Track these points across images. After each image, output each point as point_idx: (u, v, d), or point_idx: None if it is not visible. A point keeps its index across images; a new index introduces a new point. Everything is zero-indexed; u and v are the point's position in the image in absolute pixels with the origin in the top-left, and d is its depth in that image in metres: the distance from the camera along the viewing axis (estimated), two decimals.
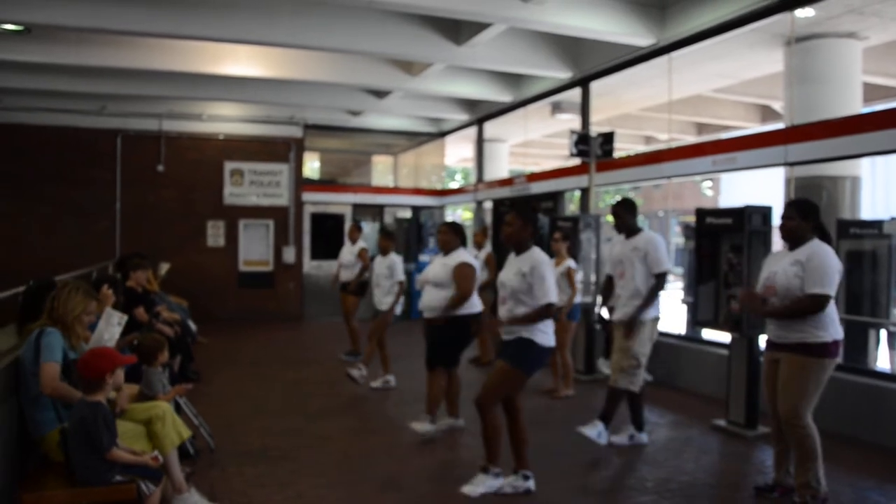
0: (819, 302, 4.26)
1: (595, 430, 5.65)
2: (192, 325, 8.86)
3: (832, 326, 4.38)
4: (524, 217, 4.69)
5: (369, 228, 14.96)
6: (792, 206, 4.54)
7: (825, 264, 4.30)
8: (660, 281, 5.62)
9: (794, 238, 4.50)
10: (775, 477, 4.73)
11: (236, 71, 10.46)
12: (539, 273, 4.49)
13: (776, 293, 4.46)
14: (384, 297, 7.96)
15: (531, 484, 4.68)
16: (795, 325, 4.38)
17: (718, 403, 6.84)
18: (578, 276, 8.19)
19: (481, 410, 4.59)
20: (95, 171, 13.10)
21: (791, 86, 8.30)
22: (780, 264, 4.53)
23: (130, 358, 3.98)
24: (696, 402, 7.42)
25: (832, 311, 4.40)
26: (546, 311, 4.49)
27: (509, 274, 4.63)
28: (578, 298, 7.84)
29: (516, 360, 4.55)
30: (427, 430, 6.04)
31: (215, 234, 13.83)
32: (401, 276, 7.95)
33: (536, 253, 4.60)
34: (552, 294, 4.49)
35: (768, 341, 4.67)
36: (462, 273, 5.87)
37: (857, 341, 7.95)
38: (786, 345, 4.44)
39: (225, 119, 13.92)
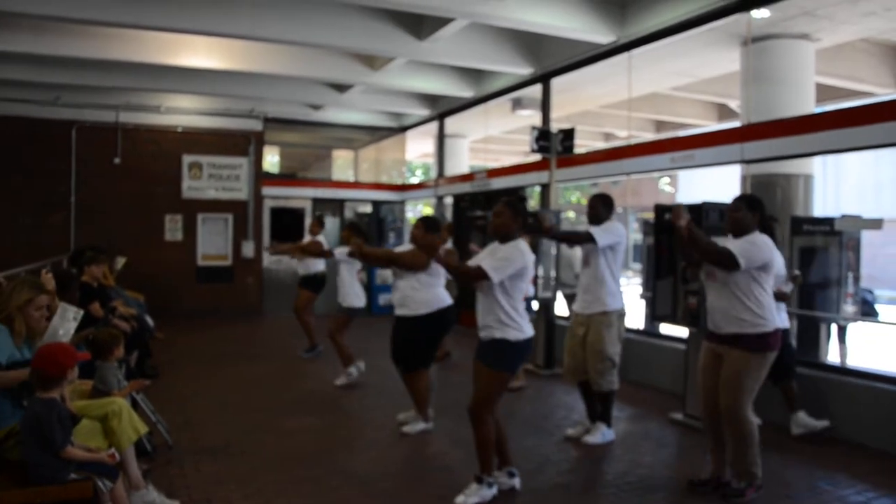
0: (733, 261, 4.39)
1: (600, 435, 5.81)
2: (150, 320, 8.72)
3: (770, 315, 4.50)
4: (515, 208, 4.56)
5: (330, 223, 14.87)
6: (741, 199, 4.69)
7: (758, 246, 4.48)
8: (581, 236, 5.75)
9: (740, 228, 4.61)
10: (711, 471, 4.79)
11: (195, 63, 10.31)
12: (506, 254, 4.39)
13: (717, 279, 4.58)
14: (346, 290, 7.97)
15: (517, 482, 4.65)
16: (734, 314, 4.49)
17: (676, 397, 6.96)
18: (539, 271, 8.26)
19: (474, 419, 4.47)
20: (49, 163, 12.77)
21: (747, 85, 8.45)
22: None
23: (85, 355, 3.91)
24: (653, 396, 7.54)
25: (770, 301, 4.54)
26: (470, 273, 4.37)
27: (488, 258, 4.50)
28: (531, 291, 7.89)
29: (496, 363, 4.45)
30: (420, 427, 6.07)
31: (173, 227, 13.62)
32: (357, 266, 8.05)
33: (520, 243, 4.50)
34: (494, 273, 4.30)
35: (710, 334, 4.74)
36: (418, 252, 5.78)
37: (810, 335, 8.14)
38: (726, 336, 4.53)
39: (183, 111, 13.70)
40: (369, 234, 14.06)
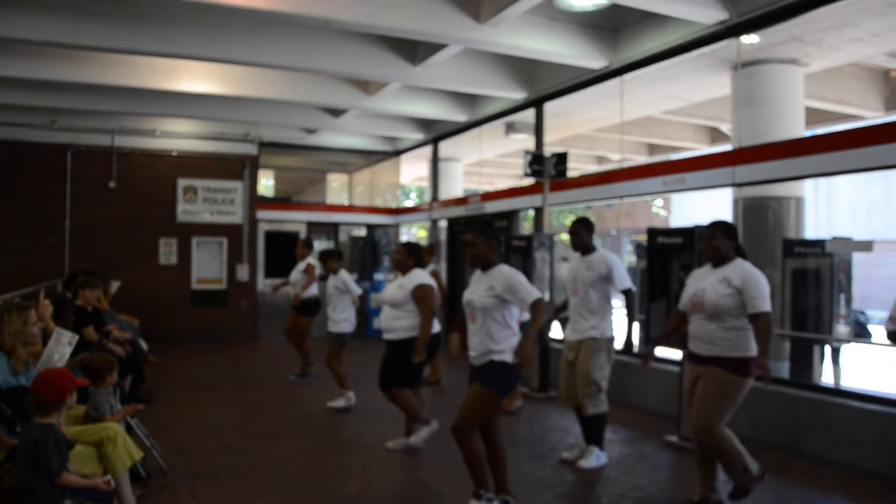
0: (770, 317, 4.40)
1: (594, 459, 5.80)
2: (144, 344, 8.72)
3: (752, 342, 4.50)
4: (487, 235, 4.66)
5: (323, 246, 14.86)
6: (716, 227, 4.65)
7: (760, 282, 4.46)
8: (629, 298, 5.81)
9: (718, 256, 4.61)
10: (700, 492, 4.77)
11: (191, 87, 10.37)
12: (514, 281, 4.47)
13: (703, 309, 4.56)
14: (336, 316, 7.97)
15: None
16: (717, 342, 4.49)
17: (671, 419, 6.96)
18: None
19: (458, 437, 4.49)
20: (44, 187, 12.79)
21: (738, 109, 8.54)
22: (706, 281, 4.62)
23: (83, 381, 3.90)
24: (648, 419, 7.53)
25: (751, 329, 4.52)
26: (541, 307, 4.42)
27: (478, 291, 4.58)
28: (526, 316, 7.91)
29: (492, 384, 4.48)
30: (424, 434, 6.12)
31: (168, 251, 13.62)
32: (357, 290, 8.06)
33: (505, 268, 4.59)
34: (536, 291, 4.48)
35: (691, 354, 4.74)
36: (422, 295, 5.94)
37: (803, 357, 8.16)
38: (710, 357, 4.54)
39: (178, 136, 13.76)
40: (365, 256, 14.11)
